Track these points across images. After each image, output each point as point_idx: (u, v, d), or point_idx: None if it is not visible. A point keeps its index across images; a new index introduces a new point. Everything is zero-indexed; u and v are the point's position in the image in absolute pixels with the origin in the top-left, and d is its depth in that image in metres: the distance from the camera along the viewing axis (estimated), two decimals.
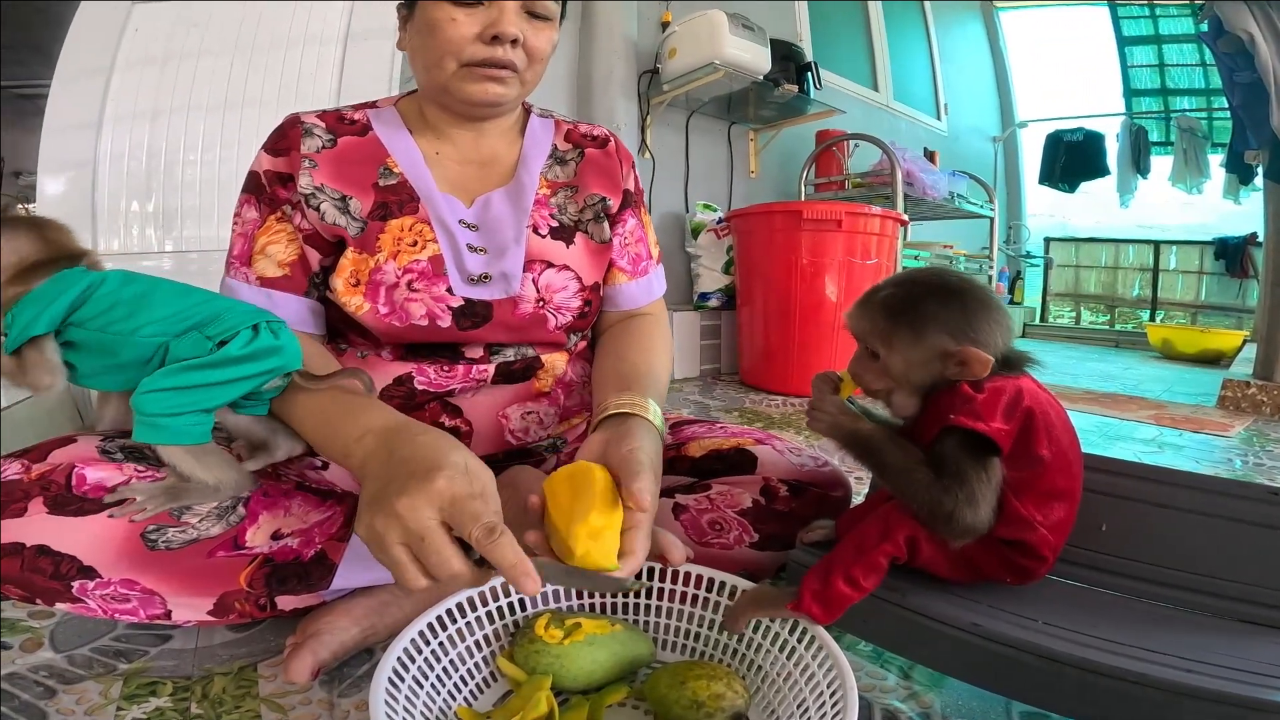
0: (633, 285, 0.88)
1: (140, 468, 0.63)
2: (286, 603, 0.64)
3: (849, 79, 3.55)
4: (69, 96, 1.64)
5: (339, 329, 0.78)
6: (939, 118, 4.43)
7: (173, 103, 1.66)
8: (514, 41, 0.71)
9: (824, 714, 0.49)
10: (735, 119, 2.90)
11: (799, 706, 0.53)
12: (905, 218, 2.32)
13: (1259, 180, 2.54)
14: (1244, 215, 4.37)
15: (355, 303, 0.72)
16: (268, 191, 0.74)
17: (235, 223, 0.76)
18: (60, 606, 0.59)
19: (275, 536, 0.63)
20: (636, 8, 2.49)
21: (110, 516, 0.59)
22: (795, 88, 2.53)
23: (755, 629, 0.61)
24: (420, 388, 0.76)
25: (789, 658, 0.57)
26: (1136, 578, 0.63)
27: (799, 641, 0.56)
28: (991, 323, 0.57)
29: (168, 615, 0.61)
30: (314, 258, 0.74)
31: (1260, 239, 3.06)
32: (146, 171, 1.65)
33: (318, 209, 0.73)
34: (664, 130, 2.65)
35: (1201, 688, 0.46)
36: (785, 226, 2.15)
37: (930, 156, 3.42)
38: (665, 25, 2.49)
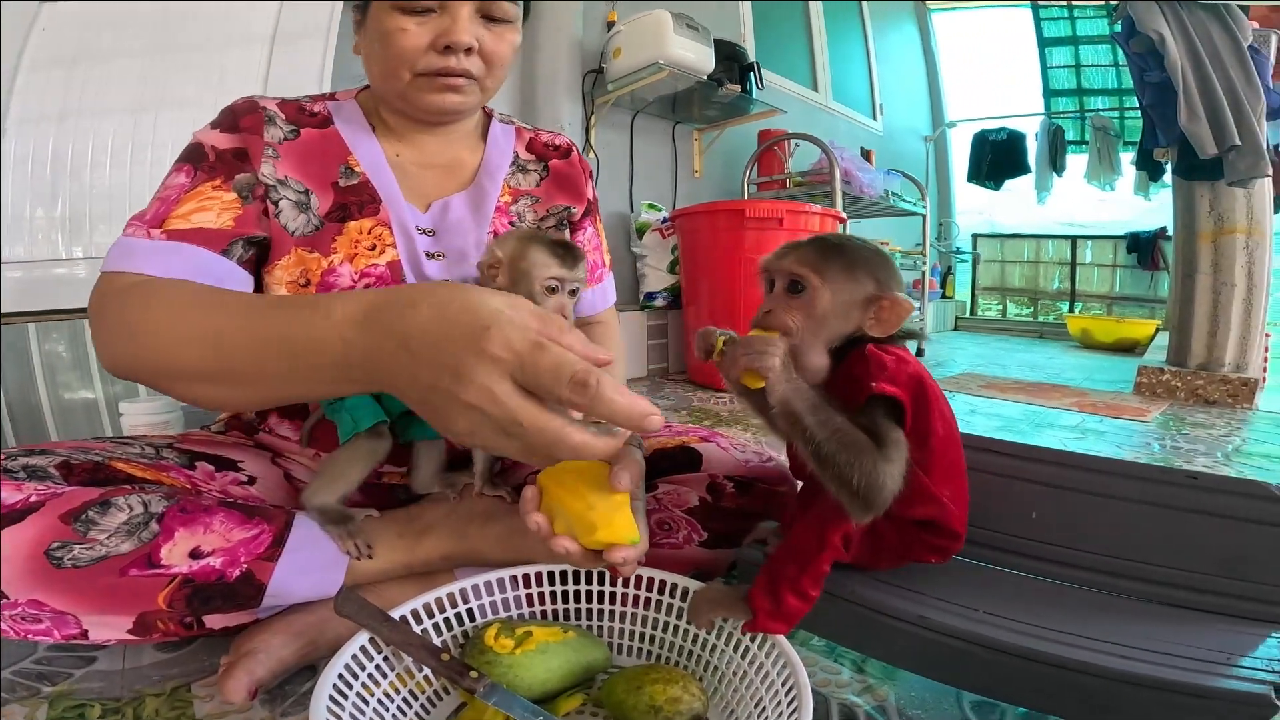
0: (589, 293, 0.91)
1: (41, 486, 0.58)
2: (216, 621, 0.61)
3: (790, 79, 3.61)
4: None
5: None
6: (875, 118, 4.54)
7: (81, 104, 1.54)
8: (468, 50, 0.69)
9: (780, 713, 0.49)
10: (680, 119, 2.91)
11: (756, 705, 0.53)
12: (844, 216, 2.38)
13: (1168, 177, 2.67)
14: (1154, 211, 4.63)
15: None
16: (209, 160, 0.69)
17: (158, 191, 0.69)
18: None
19: (195, 555, 0.59)
20: (582, 7, 2.47)
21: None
22: (738, 88, 2.55)
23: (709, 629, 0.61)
24: None
25: (743, 657, 0.57)
26: (1068, 564, 0.64)
27: (752, 641, 0.57)
28: (900, 286, 0.57)
29: (85, 635, 0.57)
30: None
31: (1169, 233, 3.27)
32: (52, 176, 1.53)
33: (277, 204, 0.70)
34: (608, 130, 2.64)
35: (1140, 674, 0.47)
36: (729, 225, 2.17)
37: (866, 155, 3.51)
38: (611, 25, 2.48)
